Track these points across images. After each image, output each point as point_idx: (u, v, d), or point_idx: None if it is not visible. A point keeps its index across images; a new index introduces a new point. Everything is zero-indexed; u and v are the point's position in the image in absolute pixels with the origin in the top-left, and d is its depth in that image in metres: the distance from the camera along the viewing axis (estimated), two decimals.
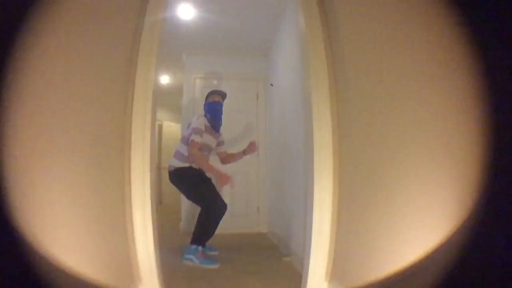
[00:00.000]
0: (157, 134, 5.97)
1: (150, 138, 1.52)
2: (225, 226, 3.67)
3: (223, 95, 2.64)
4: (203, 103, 2.68)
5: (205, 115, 2.59)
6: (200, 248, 2.32)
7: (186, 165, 2.46)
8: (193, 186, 2.47)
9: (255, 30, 3.27)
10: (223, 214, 2.42)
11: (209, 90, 2.73)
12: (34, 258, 0.73)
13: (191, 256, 2.28)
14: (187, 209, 3.75)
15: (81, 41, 1.04)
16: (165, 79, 4.88)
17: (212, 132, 2.56)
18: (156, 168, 2.31)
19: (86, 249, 1.05)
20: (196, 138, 2.40)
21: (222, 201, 2.43)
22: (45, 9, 0.81)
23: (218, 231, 3.67)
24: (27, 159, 0.78)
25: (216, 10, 2.87)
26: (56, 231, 0.88)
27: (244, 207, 3.77)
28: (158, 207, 1.66)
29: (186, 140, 2.49)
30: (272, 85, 3.49)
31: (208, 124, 2.52)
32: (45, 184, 0.85)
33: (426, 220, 0.82)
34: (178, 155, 2.52)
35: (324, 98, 1.55)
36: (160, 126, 6.20)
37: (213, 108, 2.56)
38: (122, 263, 1.38)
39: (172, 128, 6.44)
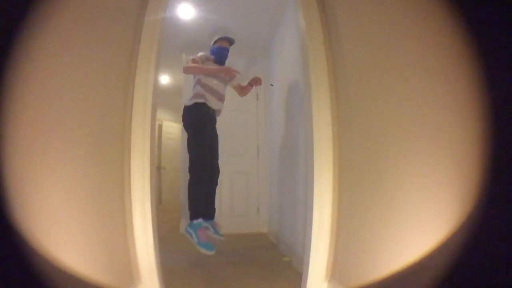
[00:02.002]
0: (157, 134, 5.97)
1: (150, 138, 1.52)
2: (225, 226, 3.69)
3: (231, 41, 2.55)
4: (210, 47, 2.57)
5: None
6: (202, 223, 2.18)
7: (200, 100, 2.32)
8: (195, 134, 2.30)
9: (255, 30, 3.27)
10: (216, 180, 2.34)
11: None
12: (34, 258, 0.73)
13: (191, 231, 2.16)
14: (187, 209, 3.75)
15: (81, 41, 1.04)
16: (165, 79, 4.88)
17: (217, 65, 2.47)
18: (156, 168, 2.22)
19: (86, 249, 1.05)
20: (194, 56, 2.36)
21: (214, 167, 2.34)
22: (45, 9, 0.81)
23: None
24: (27, 159, 0.78)
25: (216, 10, 2.86)
26: (56, 231, 0.88)
27: (244, 207, 3.77)
28: (158, 207, 1.66)
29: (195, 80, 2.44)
30: (272, 85, 3.49)
31: (211, 59, 2.46)
32: (45, 184, 0.85)
33: (426, 220, 0.82)
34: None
35: (324, 98, 1.55)
36: (160, 126, 6.20)
37: (220, 53, 2.47)
38: (122, 263, 1.38)
39: (172, 128, 6.43)
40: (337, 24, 1.46)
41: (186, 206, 2.30)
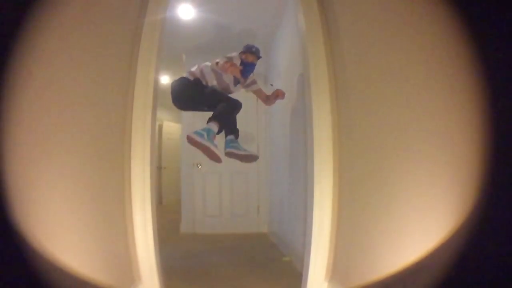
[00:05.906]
0: (157, 134, 5.96)
1: (150, 138, 1.52)
2: (225, 226, 3.70)
3: (258, 57, 2.47)
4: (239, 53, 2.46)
5: None
6: (216, 133, 2.18)
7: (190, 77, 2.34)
8: (206, 92, 2.35)
9: (255, 30, 3.27)
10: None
11: None
12: (34, 258, 0.73)
13: (203, 132, 2.13)
14: (187, 209, 3.76)
15: (81, 41, 1.04)
16: (165, 79, 4.89)
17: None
18: (157, 168, 2.19)
19: (86, 249, 1.05)
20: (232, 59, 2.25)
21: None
22: (45, 9, 0.81)
23: (219, 231, 3.69)
24: (27, 159, 0.78)
25: (216, 10, 2.87)
26: (56, 231, 0.88)
27: (244, 207, 3.77)
28: (158, 207, 1.66)
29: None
30: (272, 85, 3.49)
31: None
32: (46, 184, 0.85)
33: (426, 220, 0.82)
34: None
35: (324, 98, 1.55)
36: (160, 126, 6.20)
37: (246, 68, 2.39)
38: (122, 263, 1.38)
39: (172, 128, 6.44)
40: (337, 24, 1.47)
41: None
